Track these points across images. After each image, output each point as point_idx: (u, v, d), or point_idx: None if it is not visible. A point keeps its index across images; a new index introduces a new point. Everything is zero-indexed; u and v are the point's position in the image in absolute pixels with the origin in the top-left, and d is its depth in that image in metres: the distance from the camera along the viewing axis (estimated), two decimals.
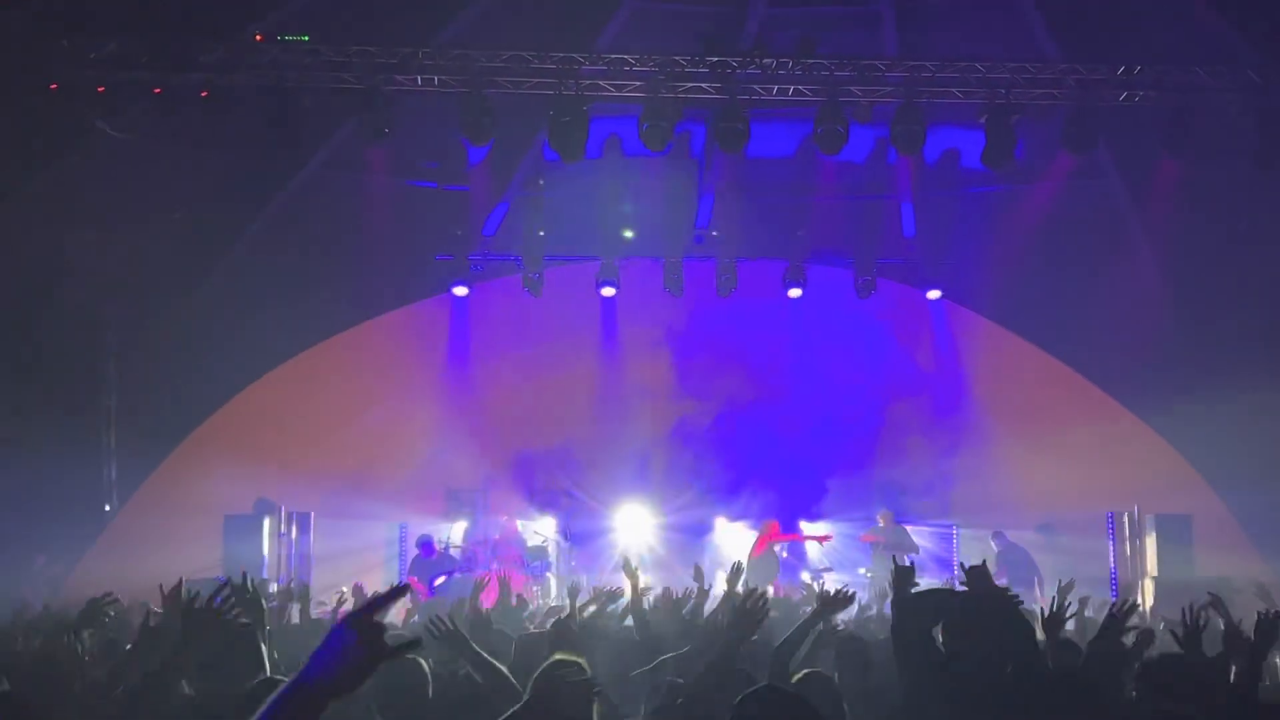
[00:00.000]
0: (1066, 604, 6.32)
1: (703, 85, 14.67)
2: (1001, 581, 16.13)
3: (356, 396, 18.82)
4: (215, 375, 17.81)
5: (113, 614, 7.24)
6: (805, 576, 16.66)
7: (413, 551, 17.26)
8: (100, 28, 13.91)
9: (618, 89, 14.67)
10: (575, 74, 14.35)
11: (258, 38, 14.41)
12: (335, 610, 11.50)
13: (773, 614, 7.50)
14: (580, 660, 5.05)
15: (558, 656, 5.12)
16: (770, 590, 13.95)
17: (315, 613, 10.25)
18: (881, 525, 17.06)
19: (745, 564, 16.75)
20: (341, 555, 17.59)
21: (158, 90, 14.06)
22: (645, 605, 8.28)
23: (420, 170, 18.43)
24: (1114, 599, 15.98)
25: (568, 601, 8.51)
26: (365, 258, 18.20)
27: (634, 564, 8.89)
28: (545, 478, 19.21)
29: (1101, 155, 16.68)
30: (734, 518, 18.76)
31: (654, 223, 18.96)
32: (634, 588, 8.22)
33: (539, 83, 14.49)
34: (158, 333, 17.34)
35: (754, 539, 17.00)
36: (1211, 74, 14.43)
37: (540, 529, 18.28)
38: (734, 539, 18.30)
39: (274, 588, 15.50)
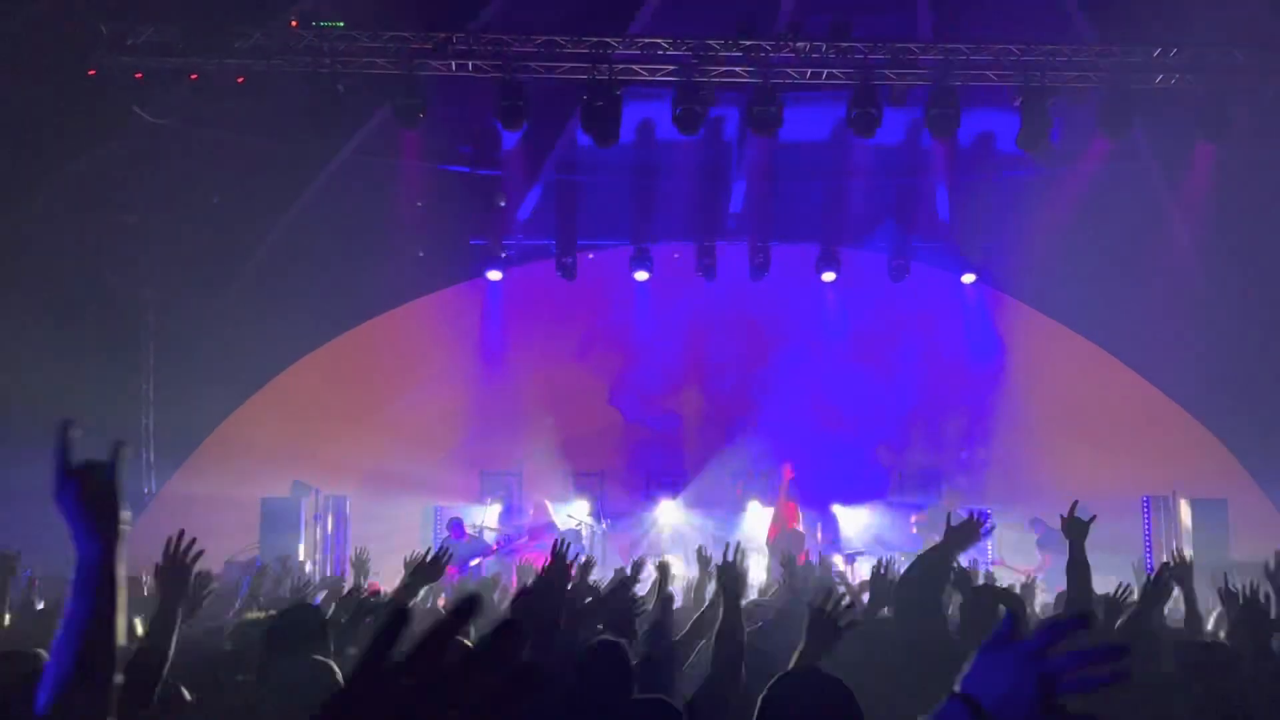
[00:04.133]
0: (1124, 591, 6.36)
1: (736, 69, 14.69)
2: (1043, 568, 16.17)
3: (392, 380, 18.92)
4: (252, 359, 17.95)
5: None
6: (838, 559, 16.63)
7: (443, 533, 17.35)
8: (137, 15, 14.04)
9: (651, 73, 14.70)
10: (608, 58, 14.39)
11: (293, 24, 14.51)
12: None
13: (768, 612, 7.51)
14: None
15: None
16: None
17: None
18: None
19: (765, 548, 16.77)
20: (376, 538, 17.67)
21: (194, 76, 14.22)
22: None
23: (454, 155, 18.49)
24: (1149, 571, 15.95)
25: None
26: (400, 242, 18.29)
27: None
28: (579, 460, 19.27)
29: (1137, 138, 16.55)
30: (767, 502, 18.75)
31: (687, 207, 18.96)
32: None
33: (572, 67, 14.54)
34: (195, 317, 17.48)
35: (768, 524, 17.02)
36: (1248, 56, 14.32)
37: (574, 511, 18.32)
38: (765, 522, 18.31)
39: (310, 567, 15.68)
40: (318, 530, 17.16)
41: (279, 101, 14.48)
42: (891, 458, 19.45)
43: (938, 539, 5.81)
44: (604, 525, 18.27)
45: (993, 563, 17.02)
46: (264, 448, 17.36)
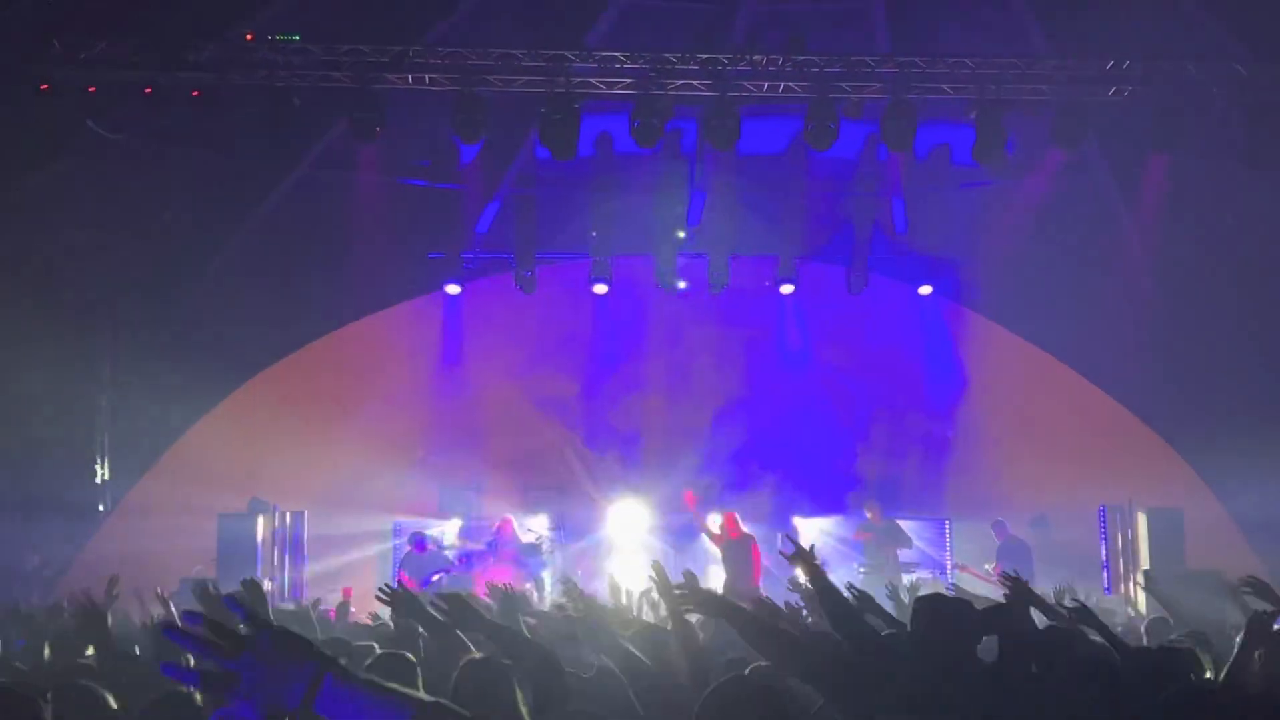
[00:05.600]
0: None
1: (693, 82, 14.70)
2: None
3: (350, 395, 18.81)
4: (208, 374, 17.81)
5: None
6: (800, 573, 16.59)
7: (405, 548, 17.27)
8: (90, 28, 13.92)
9: (608, 86, 14.70)
10: (566, 71, 14.38)
11: (248, 37, 14.44)
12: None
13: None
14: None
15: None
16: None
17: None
18: (870, 519, 16.99)
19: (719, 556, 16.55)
20: (335, 553, 17.67)
21: (148, 90, 14.10)
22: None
23: (412, 169, 18.45)
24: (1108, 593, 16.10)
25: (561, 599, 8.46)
26: (357, 256, 18.21)
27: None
28: (539, 475, 19.25)
29: (1091, 150, 16.71)
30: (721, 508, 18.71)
31: (646, 220, 18.97)
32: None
33: (530, 80, 14.53)
34: (151, 332, 17.37)
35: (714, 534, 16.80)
36: (1200, 69, 14.48)
37: (533, 525, 18.27)
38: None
39: (268, 585, 15.55)
40: (275, 546, 17.05)
41: (234, 115, 14.40)
42: (870, 468, 19.47)
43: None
44: (551, 538, 18.18)
45: (956, 568, 17.13)
46: (222, 463, 17.22)
